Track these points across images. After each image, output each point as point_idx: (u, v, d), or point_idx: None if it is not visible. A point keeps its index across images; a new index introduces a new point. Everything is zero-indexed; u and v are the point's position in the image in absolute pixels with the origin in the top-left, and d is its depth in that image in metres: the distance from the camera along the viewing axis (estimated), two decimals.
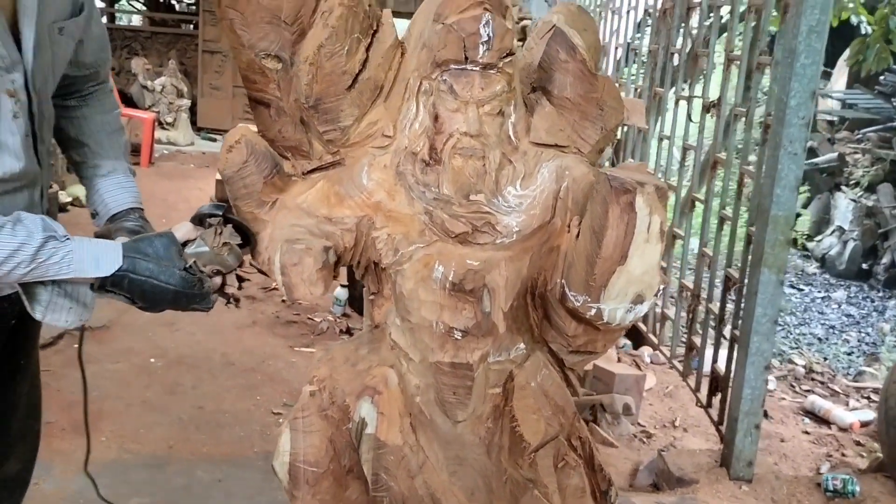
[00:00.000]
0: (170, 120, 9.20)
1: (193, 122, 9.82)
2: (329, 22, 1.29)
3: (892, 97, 9.48)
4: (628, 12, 4.57)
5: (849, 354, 5.85)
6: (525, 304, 1.38)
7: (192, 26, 11.04)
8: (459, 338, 1.30)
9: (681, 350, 3.68)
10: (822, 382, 4.60)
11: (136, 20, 11.67)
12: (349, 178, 1.36)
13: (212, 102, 10.29)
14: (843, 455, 3.44)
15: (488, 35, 1.26)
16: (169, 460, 2.77)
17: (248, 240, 1.33)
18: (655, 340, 4.01)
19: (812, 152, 8.86)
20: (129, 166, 1.50)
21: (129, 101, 8.79)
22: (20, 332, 1.43)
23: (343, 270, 4.74)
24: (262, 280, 4.97)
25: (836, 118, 10.45)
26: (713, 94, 3.32)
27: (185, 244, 1.27)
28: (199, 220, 1.30)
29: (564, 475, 1.38)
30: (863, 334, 6.50)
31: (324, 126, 1.35)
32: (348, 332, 4.37)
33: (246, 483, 2.63)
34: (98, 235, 1.40)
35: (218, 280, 1.31)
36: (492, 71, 1.28)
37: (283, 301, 4.71)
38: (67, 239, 1.19)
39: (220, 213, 1.29)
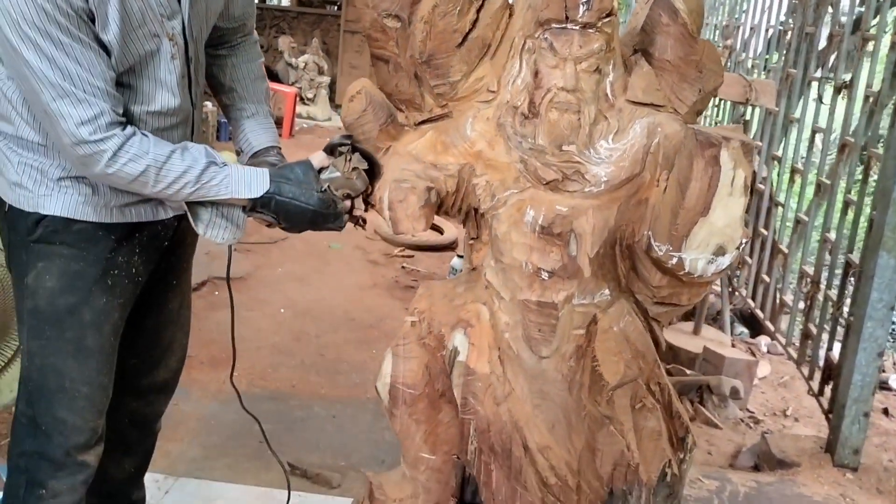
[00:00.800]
0: (310, 96, 9.70)
1: (332, 99, 10.28)
2: None
3: None
4: None
5: None
6: (613, 254, 1.46)
7: (336, 7, 11.54)
8: (546, 278, 1.41)
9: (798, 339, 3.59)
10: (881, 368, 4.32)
11: (286, 1, 12.30)
12: (455, 129, 1.50)
13: (350, 80, 10.65)
14: None
15: None
16: (291, 396, 3.04)
17: (374, 166, 1.48)
18: (773, 328, 3.93)
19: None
20: (269, 110, 1.71)
21: (274, 76, 9.34)
22: (173, 254, 1.67)
23: (459, 241, 4.90)
24: (385, 247, 5.24)
25: None
26: (875, 83, 3.18)
27: (319, 171, 1.45)
28: (330, 150, 1.47)
29: (641, 417, 1.46)
30: None
31: (435, 80, 1.49)
32: None
33: (357, 421, 2.85)
34: None
35: (348, 203, 1.47)
36: (591, 30, 1.37)
37: (403, 267, 4.95)
38: (225, 165, 1.40)
39: (349, 143, 1.45)
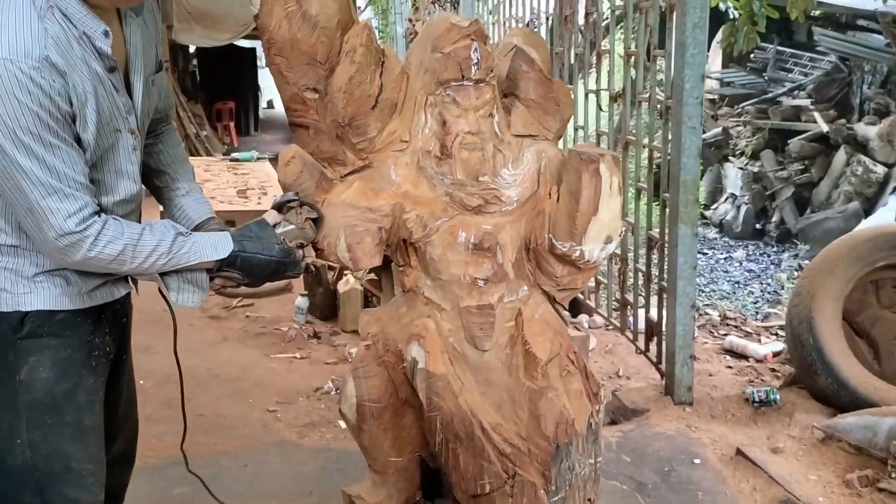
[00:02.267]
0: None
1: None
2: (355, 59, 1.70)
3: (763, 72, 10.49)
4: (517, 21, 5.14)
5: (755, 303, 6.58)
6: (522, 257, 1.82)
7: None
8: (482, 285, 1.74)
9: (616, 313, 4.22)
10: (735, 326, 5.25)
11: None
12: (380, 176, 1.78)
13: None
14: (762, 380, 4.03)
15: (477, 58, 1.70)
16: (191, 459, 3.05)
17: (319, 216, 1.71)
18: (593, 305, 4.54)
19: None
20: (199, 187, 1.86)
21: None
22: (124, 330, 1.77)
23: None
24: (222, 301, 5.24)
25: (716, 96, 11.43)
26: (617, 86, 3.87)
27: (273, 226, 1.65)
28: (279, 207, 1.68)
29: (567, 381, 1.83)
30: (764, 285, 7.28)
31: (356, 138, 1.76)
32: (315, 335, 4.71)
33: (269, 464, 2.96)
34: None
35: (301, 251, 1.68)
36: (482, 84, 1.73)
37: (248, 316, 5.01)
38: (190, 234, 1.55)
39: (297, 199, 1.67)
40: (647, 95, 3.48)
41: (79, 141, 1.41)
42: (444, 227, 1.73)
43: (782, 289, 7.02)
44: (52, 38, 1.34)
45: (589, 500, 1.94)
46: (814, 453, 2.80)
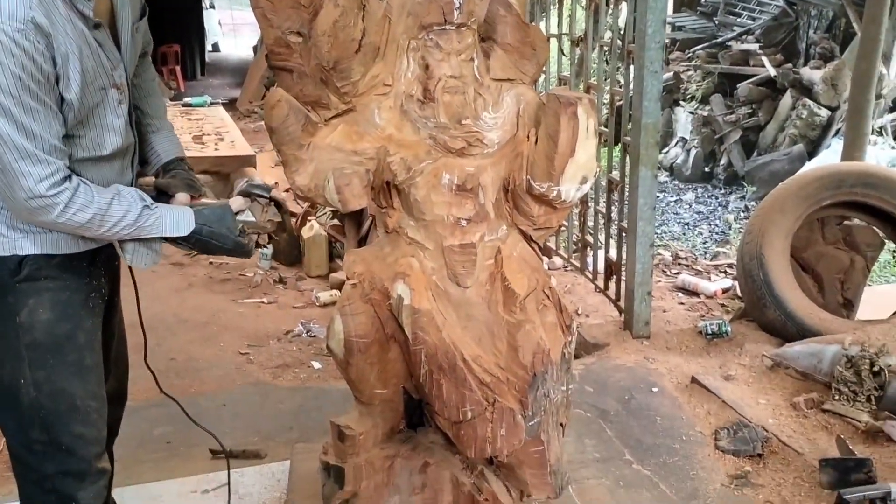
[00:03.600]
0: None
1: None
2: (339, 2, 1.73)
3: (713, 16, 10.62)
4: None
5: (704, 243, 6.81)
6: (501, 198, 1.90)
7: None
8: (465, 225, 1.82)
9: (576, 254, 4.36)
10: (687, 265, 5.47)
11: None
12: (364, 120, 1.82)
13: None
14: (713, 315, 4.25)
15: (459, 3, 1.75)
16: (168, 401, 3.12)
17: (284, 217, 1.79)
18: (553, 247, 4.68)
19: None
20: (170, 124, 1.88)
21: None
22: (115, 273, 1.81)
23: None
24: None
25: (668, 40, 11.54)
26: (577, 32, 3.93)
27: (236, 213, 1.72)
28: (247, 194, 1.73)
29: (543, 315, 1.94)
30: (713, 226, 7.52)
31: (340, 82, 1.80)
32: (281, 281, 4.76)
33: (248, 402, 3.04)
34: (158, 187, 1.79)
35: (255, 237, 1.76)
36: (463, 28, 1.77)
37: (211, 263, 5.01)
38: (156, 207, 1.59)
39: (268, 196, 1.73)
40: (607, 40, 3.55)
41: (61, 101, 1.43)
42: (427, 170, 1.80)
43: (730, 229, 7.27)
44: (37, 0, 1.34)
45: (561, 424, 2.08)
46: (763, 380, 3.00)
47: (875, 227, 3.57)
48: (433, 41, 1.77)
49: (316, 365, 3.51)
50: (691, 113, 9.45)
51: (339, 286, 4.63)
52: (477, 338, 1.93)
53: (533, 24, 1.95)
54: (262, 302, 4.46)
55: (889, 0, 4.16)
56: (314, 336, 3.84)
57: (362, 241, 1.88)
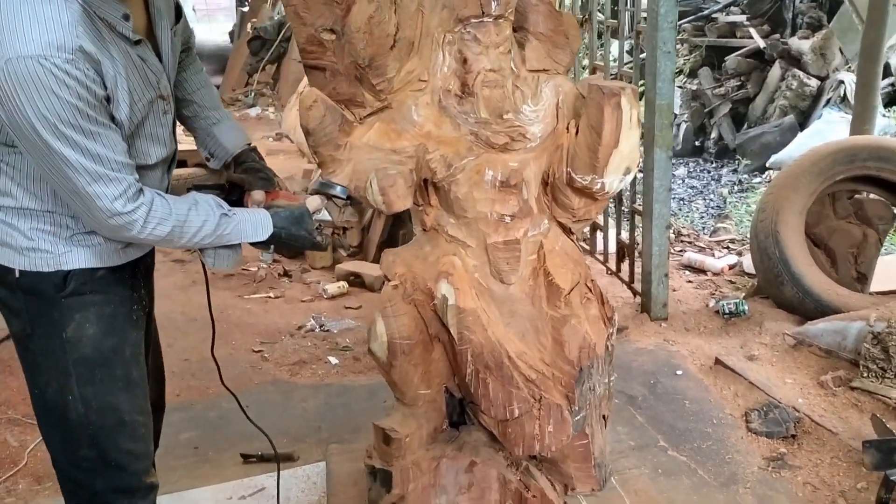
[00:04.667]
0: None
1: None
2: None
3: None
4: None
5: (701, 218, 6.81)
6: (541, 191, 1.86)
7: None
8: (509, 221, 1.78)
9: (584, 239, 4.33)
10: (689, 242, 5.46)
11: None
12: (401, 117, 1.78)
13: None
14: (721, 292, 4.25)
15: None
16: (189, 404, 3.08)
17: (361, 216, 1.75)
18: None
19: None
20: (228, 113, 1.84)
21: None
22: (151, 283, 1.76)
23: None
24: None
25: None
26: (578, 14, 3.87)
27: (313, 212, 1.70)
28: (325, 194, 1.71)
29: (587, 308, 1.91)
30: (707, 200, 7.52)
31: (376, 79, 1.75)
32: (286, 274, 4.69)
33: (272, 404, 3.00)
34: (231, 181, 1.76)
35: (329, 232, 1.74)
36: (501, 20, 1.73)
37: None
38: (234, 214, 1.56)
39: (346, 198, 1.72)
40: (615, 21, 3.51)
41: (113, 120, 1.41)
42: (469, 166, 1.76)
43: (725, 203, 7.27)
44: (81, 25, 1.32)
45: (604, 416, 2.06)
46: (787, 359, 3.01)
47: (887, 200, 3.58)
48: (471, 34, 1.72)
49: (333, 360, 3.47)
50: (680, 87, 9.41)
51: (346, 277, 4.58)
52: (521, 334, 1.90)
53: (566, 12, 1.91)
54: (269, 297, 4.40)
55: None
56: (328, 330, 3.80)
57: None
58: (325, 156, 1.75)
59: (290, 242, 1.68)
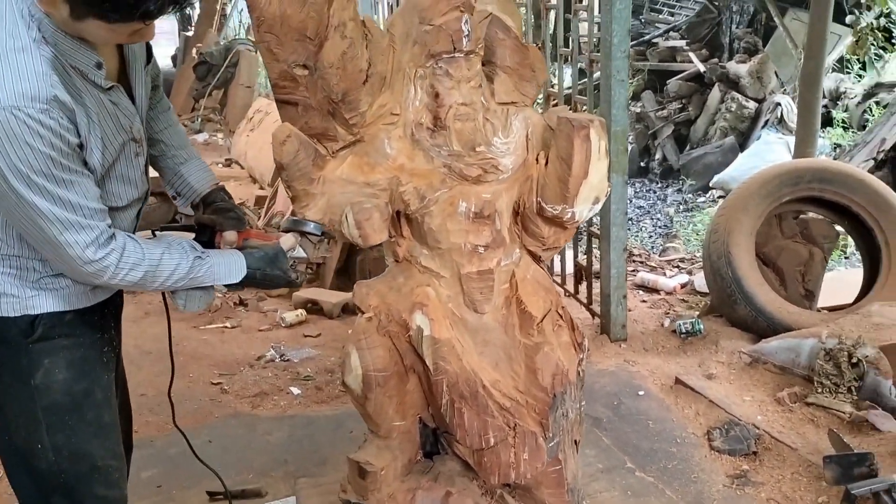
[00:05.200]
0: None
1: None
2: (347, 34, 1.69)
3: (640, 14, 10.88)
4: None
5: (650, 237, 6.98)
6: (511, 221, 1.89)
7: None
8: (482, 251, 1.80)
9: None
10: (641, 262, 5.58)
11: None
12: (374, 150, 1.79)
13: None
14: (675, 311, 4.35)
15: (468, 30, 1.73)
16: (148, 441, 3.00)
17: (332, 243, 1.76)
18: None
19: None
20: (196, 151, 1.82)
21: None
22: (121, 324, 1.73)
23: None
24: None
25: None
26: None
27: (288, 250, 1.70)
28: (299, 231, 1.72)
29: (558, 335, 1.94)
30: (655, 220, 7.72)
31: (349, 113, 1.76)
32: (242, 303, 4.63)
33: (235, 438, 2.95)
34: (200, 222, 1.74)
35: (303, 268, 1.74)
36: (472, 55, 1.76)
37: None
38: (208, 256, 1.54)
39: (320, 234, 1.73)
40: (569, 50, 3.59)
41: (86, 166, 1.39)
42: (443, 198, 1.77)
43: (672, 222, 7.46)
44: (55, 73, 1.30)
45: (575, 441, 2.09)
46: (743, 376, 3.09)
47: (830, 220, 3.73)
48: (443, 69, 1.74)
49: (295, 391, 3.43)
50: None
51: (304, 305, 4.54)
52: (494, 363, 1.92)
53: (532, 45, 1.95)
54: (226, 327, 4.33)
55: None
56: (288, 360, 3.76)
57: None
58: (299, 190, 1.74)
59: (264, 282, 1.67)
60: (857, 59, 8.61)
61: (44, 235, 1.35)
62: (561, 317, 1.97)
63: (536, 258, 1.99)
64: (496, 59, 1.90)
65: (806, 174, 3.53)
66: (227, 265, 1.60)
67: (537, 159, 1.86)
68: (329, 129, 1.79)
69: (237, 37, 11.79)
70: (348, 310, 4.53)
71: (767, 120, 8.22)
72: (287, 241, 1.72)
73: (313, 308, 4.50)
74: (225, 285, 1.63)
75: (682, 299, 4.60)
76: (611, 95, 3.17)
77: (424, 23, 1.74)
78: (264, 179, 6.77)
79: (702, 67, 8.98)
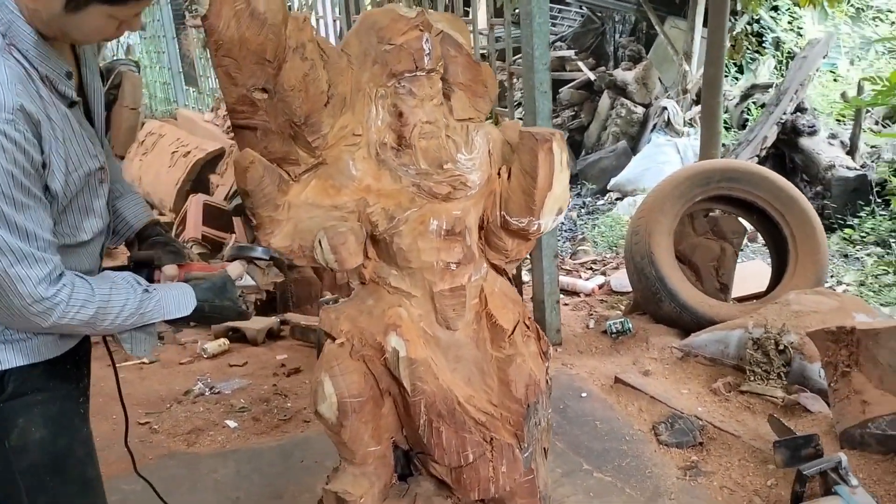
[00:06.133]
0: None
1: None
2: (307, 55, 1.66)
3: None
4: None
5: (558, 240, 7.15)
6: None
7: None
8: (454, 268, 1.80)
9: None
10: (557, 266, 5.72)
11: None
12: (339, 172, 1.75)
13: None
14: (597, 311, 4.49)
15: (429, 49, 1.73)
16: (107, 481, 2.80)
17: (285, 277, 1.70)
18: None
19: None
20: (130, 185, 1.72)
21: None
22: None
23: None
24: None
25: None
26: None
27: (235, 279, 1.62)
28: (245, 258, 1.63)
29: (528, 345, 1.96)
30: (560, 224, 7.92)
31: (311, 136, 1.72)
32: (158, 336, 4.42)
33: (178, 480, 2.80)
34: (137, 260, 1.63)
35: (253, 298, 1.66)
36: (433, 73, 1.76)
37: None
38: (155, 290, 1.46)
39: (267, 258, 1.65)
40: (486, 63, 3.65)
41: (47, 190, 1.28)
42: (412, 217, 1.76)
43: (575, 226, 7.68)
44: (20, 83, 1.20)
45: (545, 448, 2.12)
46: (677, 370, 3.22)
47: (738, 216, 3.95)
48: (405, 88, 1.74)
49: (231, 424, 3.30)
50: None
51: (225, 334, 4.38)
52: (467, 378, 1.92)
53: (484, 62, 1.97)
54: (143, 362, 4.11)
55: (728, 7, 4.61)
56: (219, 392, 3.61)
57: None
58: (264, 217, 1.69)
59: (214, 315, 1.57)
60: (734, 63, 9.18)
61: None
62: (528, 327, 1.99)
63: (500, 271, 2.01)
64: (449, 77, 1.91)
65: (715, 174, 3.74)
66: (176, 298, 1.50)
67: (499, 174, 1.88)
68: (290, 152, 1.74)
69: (116, 58, 11.27)
70: (273, 335, 4.41)
71: (655, 124, 8.62)
72: (234, 269, 1.63)
73: (235, 336, 4.35)
74: (169, 321, 1.52)
75: (601, 300, 4.75)
76: (535, 107, 3.25)
77: (384, 42, 1.73)
78: (164, 205, 6.50)
79: (591, 76, 9.32)
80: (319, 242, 1.65)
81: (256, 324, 4.36)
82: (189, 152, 6.16)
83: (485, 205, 1.87)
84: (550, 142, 1.77)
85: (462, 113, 1.89)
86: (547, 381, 2.02)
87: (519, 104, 6.37)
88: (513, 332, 1.90)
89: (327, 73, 1.73)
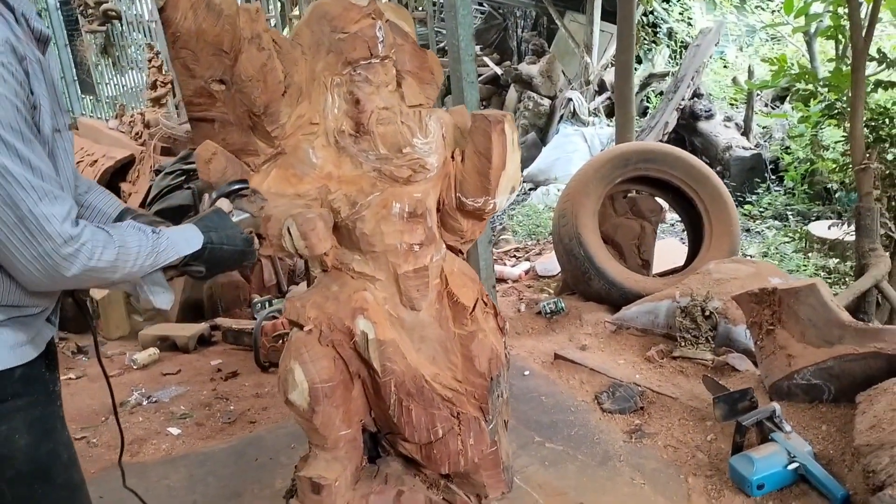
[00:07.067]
0: None
1: None
2: (264, 45, 1.67)
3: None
4: None
5: None
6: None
7: None
8: (418, 249, 1.85)
9: None
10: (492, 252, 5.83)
11: None
12: (299, 161, 1.78)
13: None
14: (526, 296, 4.62)
15: (382, 35, 1.78)
16: None
17: (265, 201, 1.67)
18: None
19: None
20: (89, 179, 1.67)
21: None
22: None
23: None
24: None
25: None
26: None
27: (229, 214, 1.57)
28: (227, 195, 1.60)
29: (487, 321, 2.04)
30: None
31: (271, 126, 1.74)
32: (80, 350, 4.27)
33: (119, 490, 2.71)
34: None
35: (255, 239, 1.62)
36: (387, 60, 1.81)
37: None
38: (161, 231, 1.40)
39: (246, 186, 1.61)
40: None
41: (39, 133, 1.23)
42: (375, 202, 1.80)
43: (494, 217, 7.83)
44: (3, 18, 1.16)
45: (505, 420, 2.20)
46: (612, 343, 3.37)
47: (654, 195, 4.16)
48: (361, 75, 1.78)
49: (174, 431, 3.23)
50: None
51: (153, 343, 4.26)
52: (431, 357, 1.98)
53: (429, 50, 2.02)
54: (70, 378, 3.96)
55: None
56: (157, 401, 3.52)
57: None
58: None
59: (223, 245, 1.49)
60: None
61: (16, 211, 1.15)
62: (486, 304, 2.07)
63: (456, 252, 2.07)
64: (398, 65, 1.96)
65: (633, 157, 3.92)
66: (183, 234, 1.44)
67: (453, 156, 1.95)
68: (249, 143, 1.75)
69: None
70: (204, 341, 4.33)
71: (562, 115, 8.89)
72: (221, 203, 1.59)
73: (165, 345, 4.25)
74: (183, 267, 1.46)
75: (528, 285, 4.89)
76: (463, 97, 3.32)
77: (337, 31, 1.76)
78: None
79: (498, 70, 9.51)
80: (288, 230, 1.67)
81: (186, 331, 4.27)
82: (96, 161, 5.92)
83: (441, 186, 1.94)
84: (502, 123, 1.85)
85: (413, 99, 1.94)
86: (506, 355, 2.10)
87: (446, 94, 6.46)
88: (473, 309, 1.98)
89: (282, 62, 1.75)
